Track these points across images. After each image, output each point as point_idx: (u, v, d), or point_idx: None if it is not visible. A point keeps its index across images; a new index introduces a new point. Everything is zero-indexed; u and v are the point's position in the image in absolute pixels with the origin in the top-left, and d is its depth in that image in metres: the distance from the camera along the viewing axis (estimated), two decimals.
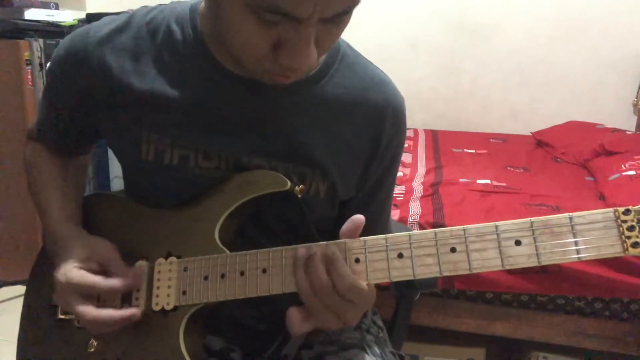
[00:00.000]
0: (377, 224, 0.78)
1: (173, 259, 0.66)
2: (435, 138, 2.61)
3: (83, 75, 0.67)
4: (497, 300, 1.55)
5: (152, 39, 0.67)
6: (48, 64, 0.75)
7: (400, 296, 0.99)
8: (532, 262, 0.52)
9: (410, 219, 1.55)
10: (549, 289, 1.46)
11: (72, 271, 0.63)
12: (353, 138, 0.70)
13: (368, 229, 0.59)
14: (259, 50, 0.55)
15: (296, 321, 0.57)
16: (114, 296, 0.66)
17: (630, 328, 1.49)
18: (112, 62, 0.67)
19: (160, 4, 0.70)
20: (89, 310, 0.62)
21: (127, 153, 0.70)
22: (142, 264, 0.68)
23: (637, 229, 0.49)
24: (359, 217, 0.59)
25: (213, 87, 0.66)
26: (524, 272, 1.45)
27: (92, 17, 2.25)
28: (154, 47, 0.67)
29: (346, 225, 0.59)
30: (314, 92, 0.68)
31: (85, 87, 0.68)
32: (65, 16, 2.21)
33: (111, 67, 0.66)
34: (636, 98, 2.68)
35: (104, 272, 0.65)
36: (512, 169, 2.14)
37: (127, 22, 0.68)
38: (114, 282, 0.63)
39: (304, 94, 0.67)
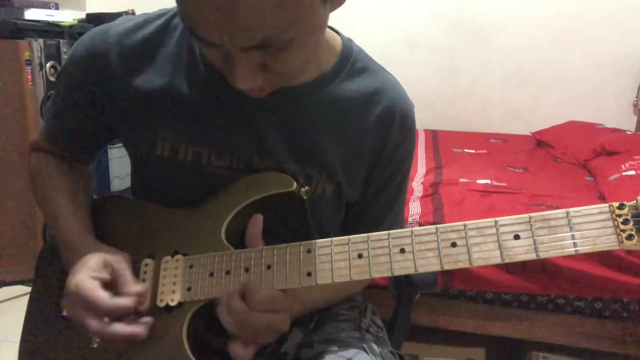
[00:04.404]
0: (379, 227, 0.78)
1: (179, 256, 0.67)
2: (435, 138, 2.61)
3: (104, 71, 0.68)
4: (497, 300, 1.55)
5: (170, 37, 0.69)
6: (61, 67, 0.75)
7: (400, 296, 0.99)
8: (531, 256, 0.53)
9: (410, 219, 1.55)
10: (549, 289, 1.46)
11: (83, 281, 0.62)
12: (360, 140, 0.71)
13: (370, 231, 0.60)
14: (218, 66, 0.57)
15: (242, 353, 0.60)
16: (130, 265, 0.67)
17: (630, 328, 1.49)
18: (131, 57, 0.68)
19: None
20: (96, 323, 0.61)
21: (142, 149, 0.71)
22: (148, 262, 0.69)
23: (632, 222, 0.50)
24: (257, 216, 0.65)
25: (229, 87, 0.67)
26: (524, 272, 1.45)
27: (92, 17, 2.26)
28: (171, 46, 0.68)
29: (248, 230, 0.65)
30: (324, 94, 0.69)
31: (104, 83, 0.69)
32: (65, 16, 2.21)
33: (131, 62, 0.68)
34: (636, 98, 2.68)
35: (114, 283, 0.65)
36: (512, 169, 2.14)
37: (145, 20, 0.70)
38: (119, 303, 0.62)
39: (315, 96, 0.69)
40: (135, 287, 0.64)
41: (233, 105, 0.67)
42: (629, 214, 0.51)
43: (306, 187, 0.69)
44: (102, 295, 0.61)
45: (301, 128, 0.68)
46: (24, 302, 0.81)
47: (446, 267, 0.55)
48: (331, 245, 0.60)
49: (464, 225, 0.56)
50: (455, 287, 1.50)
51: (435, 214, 1.57)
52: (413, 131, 0.76)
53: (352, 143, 0.71)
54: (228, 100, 0.67)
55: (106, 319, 0.61)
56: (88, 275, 0.63)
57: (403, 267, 0.57)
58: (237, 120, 0.68)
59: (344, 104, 0.70)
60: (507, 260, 0.54)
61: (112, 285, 0.64)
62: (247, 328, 0.59)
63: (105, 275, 0.64)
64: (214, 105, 0.67)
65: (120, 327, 0.61)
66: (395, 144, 0.73)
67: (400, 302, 0.99)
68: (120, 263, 0.66)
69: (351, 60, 0.71)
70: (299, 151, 0.69)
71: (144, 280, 0.68)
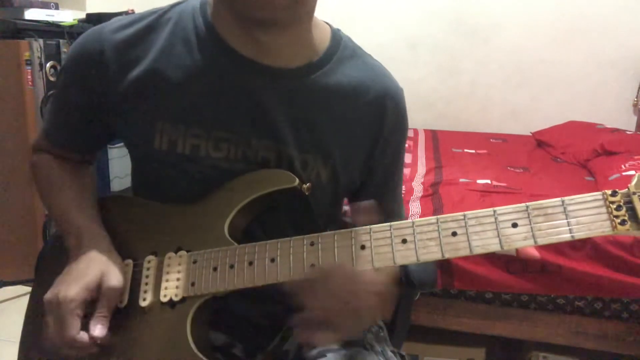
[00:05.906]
0: (392, 216, 0.83)
1: (183, 252, 0.68)
2: (435, 138, 2.61)
3: (100, 68, 0.69)
4: (497, 300, 1.55)
5: (162, 30, 0.70)
6: (60, 68, 0.76)
7: (400, 296, 0.99)
8: (529, 242, 0.55)
9: (410, 219, 1.55)
10: (549, 289, 1.46)
11: (68, 305, 0.61)
12: (355, 123, 0.73)
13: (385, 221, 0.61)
14: None
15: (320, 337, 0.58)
16: (118, 295, 0.66)
17: (631, 328, 1.49)
18: (125, 50, 0.69)
19: (170, 4, 0.74)
20: (58, 338, 0.61)
21: (141, 144, 0.72)
22: (151, 259, 0.69)
23: (625, 208, 0.52)
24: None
25: (224, 73, 0.69)
26: (524, 272, 1.45)
27: (92, 17, 2.26)
28: (163, 39, 0.70)
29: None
30: (317, 78, 0.71)
31: (102, 80, 0.70)
32: (65, 16, 2.21)
33: (125, 55, 0.69)
34: (636, 98, 2.68)
35: (96, 302, 0.64)
36: (512, 169, 2.14)
37: (138, 17, 0.72)
38: (81, 339, 0.61)
39: (308, 79, 0.70)
40: (97, 331, 0.62)
41: (231, 89, 0.69)
42: (622, 200, 0.53)
43: (308, 184, 0.70)
44: (74, 330, 0.61)
45: (297, 109, 0.70)
46: (24, 302, 0.81)
47: (447, 256, 0.57)
48: (334, 238, 0.61)
49: (464, 215, 0.57)
50: (456, 287, 1.50)
51: (435, 214, 1.57)
52: (405, 114, 0.79)
53: (347, 125, 0.73)
54: (222, 87, 0.68)
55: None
56: (76, 292, 0.62)
57: (405, 256, 0.58)
58: (234, 102, 0.69)
59: (336, 88, 0.72)
60: (506, 248, 0.55)
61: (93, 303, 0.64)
62: (348, 303, 0.57)
63: (93, 295, 0.64)
64: (209, 94, 0.69)
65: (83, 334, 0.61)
66: (390, 128, 0.76)
67: (400, 302, 0.99)
68: (111, 288, 0.65)
69: (341, 46, 0.74)
70: (296, 131, 0.70)
71: (147, 277, 0.68)
